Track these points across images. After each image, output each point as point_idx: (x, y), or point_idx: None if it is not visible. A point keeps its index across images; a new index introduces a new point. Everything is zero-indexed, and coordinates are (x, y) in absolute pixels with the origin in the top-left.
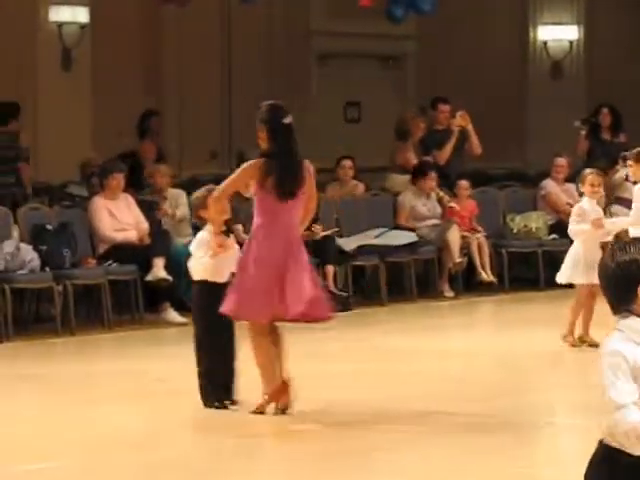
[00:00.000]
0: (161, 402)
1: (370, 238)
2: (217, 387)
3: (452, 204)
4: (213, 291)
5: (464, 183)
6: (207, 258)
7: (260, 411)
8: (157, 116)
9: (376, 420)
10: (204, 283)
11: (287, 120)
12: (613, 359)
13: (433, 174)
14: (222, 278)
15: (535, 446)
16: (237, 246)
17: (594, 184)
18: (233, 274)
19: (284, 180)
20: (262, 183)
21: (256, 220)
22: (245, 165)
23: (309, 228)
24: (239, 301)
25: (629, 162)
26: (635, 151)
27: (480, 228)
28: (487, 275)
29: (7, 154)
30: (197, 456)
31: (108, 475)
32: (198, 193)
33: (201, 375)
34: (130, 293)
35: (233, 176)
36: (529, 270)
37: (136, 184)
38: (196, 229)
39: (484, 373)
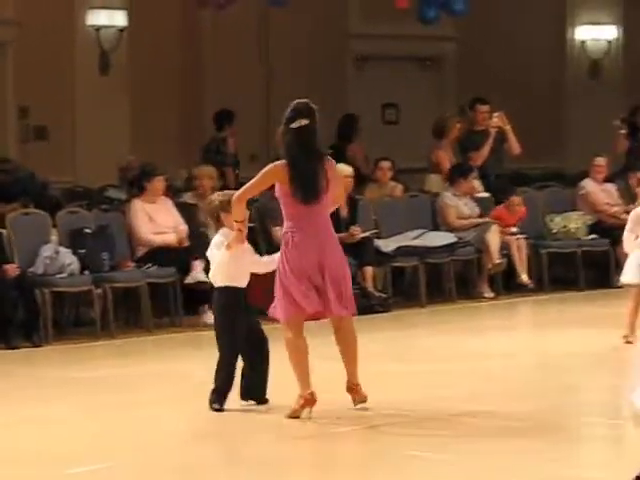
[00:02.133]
0: (204, 404)
1: (409, 239)
2: (225, 392)
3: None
4: (235, 296)
5: (517, 199)
6: (223, 251)
7: (295, 415)
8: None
9: (416, 421)
10: (225, 289)
11: (295, 125)
12: None
13: (473, 175)
14: (242, 283)
15: (576, 446)
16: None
17: None
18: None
19: (302, 187)
20: (284, 187)
21: (285, 224)
22: (267, 168)
23: (347, 229)
24: (278, 306)
25: None
26: None
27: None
28: (525, 278)
29: (215, 159)
30: (238, 458)
31: (152, 477)
32: (220, 197)
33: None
34: (169, 296)
35: (256, 179)
36: (568, 270)
37: None
38: None
39: (524, 374)
